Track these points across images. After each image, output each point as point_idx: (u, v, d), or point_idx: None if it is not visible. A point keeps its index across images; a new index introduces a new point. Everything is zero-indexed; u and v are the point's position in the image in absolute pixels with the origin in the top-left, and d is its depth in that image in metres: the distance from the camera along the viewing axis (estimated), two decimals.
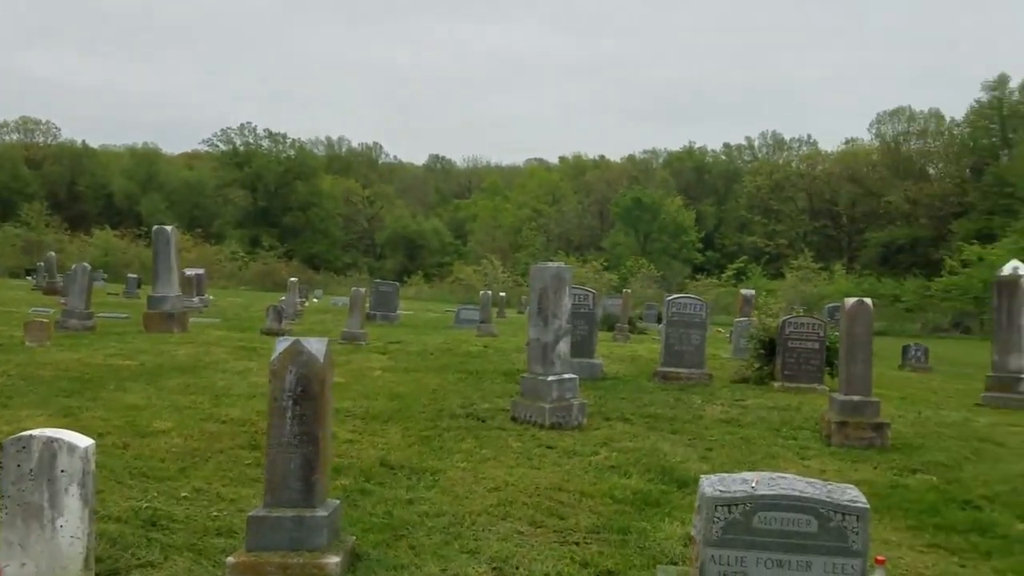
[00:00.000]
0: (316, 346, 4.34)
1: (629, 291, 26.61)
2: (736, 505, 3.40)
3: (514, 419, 8.13)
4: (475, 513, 5.25)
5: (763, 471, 5.87)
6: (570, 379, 8.34)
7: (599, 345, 14.23)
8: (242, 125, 70.31)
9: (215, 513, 5.07)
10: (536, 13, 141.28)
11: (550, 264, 8.41)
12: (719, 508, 3.40)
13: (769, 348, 12.39)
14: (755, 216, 66.48)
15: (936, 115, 66.37)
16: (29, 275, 36.97)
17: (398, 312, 24.08)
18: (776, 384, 11.69)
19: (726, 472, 3.90)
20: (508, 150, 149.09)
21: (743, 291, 23.31)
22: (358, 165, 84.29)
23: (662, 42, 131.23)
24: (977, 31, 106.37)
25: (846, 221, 66.63)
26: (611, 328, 23.16)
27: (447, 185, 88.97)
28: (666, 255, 59.21)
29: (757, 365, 12.63)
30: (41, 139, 74.32)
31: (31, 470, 3.53)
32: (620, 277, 47.86)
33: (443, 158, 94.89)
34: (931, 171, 66.24)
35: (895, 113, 68.15)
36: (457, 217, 76.02)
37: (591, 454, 6.99)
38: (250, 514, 4.25)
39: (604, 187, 70.14)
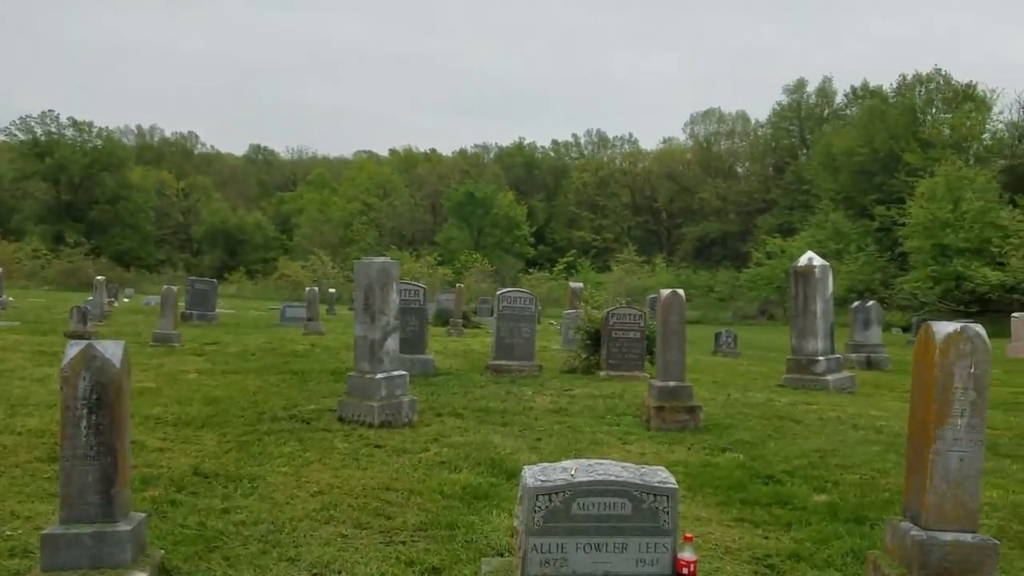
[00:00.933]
0: (112, 350, 4.00)
1: (462, 285, 26.75)
2: (556, 493, 3.45)
3: (341, 419, 7.92)
4: (296, 519, 5.04)
5: (588, 458, 6.03)
6: (400, 376, 8.23)
7: (432, 340, 14.21)
8: (43, 113, 64.30)
9: (8, 533, 4.61)
10: (360, 4, 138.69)
11: (375, 259, 8.24)
12: (540, 497, 3.44)
13: (595, 339, 12.85)
14: (583, 211, 68.87)
15: (743, 116, 71.56)
16: None
17: (217, 311, 22.92)
18: (602, 373, 12.13)
19: (553, 461, 3.95)
20: (335, 142, 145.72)
21: (572, 284, 24.05)
22: (172, 155, 79.57)
23: (489, 39, 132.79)
24: (778, 38, 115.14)
25: (665, 217, 70.41)
26: (445, 323, 23.20)
27: (270, 177, 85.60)
28: (499, 249, 60.11)
29: (584, 355, 13.06)
30: None
31: None
32: (454, 271, 48.09)
33: (265, 149, 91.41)
34: (739, 170, 71.27)
35: (707, 114, 72.83)
36: (282, 211, 73.41)
37: (421, 451, 6.92)
38: (44, 532, 3.89)
39: (436, 181, 70.15)
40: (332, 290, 33.86)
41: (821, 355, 12.26)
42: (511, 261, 58.64)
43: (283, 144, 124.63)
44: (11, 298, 25.38)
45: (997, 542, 3.64)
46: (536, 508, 3.43)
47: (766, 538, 5.05)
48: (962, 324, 3.52)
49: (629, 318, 12.45)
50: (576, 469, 3.56)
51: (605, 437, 7.85)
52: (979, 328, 3.54)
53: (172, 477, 5.84)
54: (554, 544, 3.45)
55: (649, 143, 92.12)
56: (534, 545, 3.43)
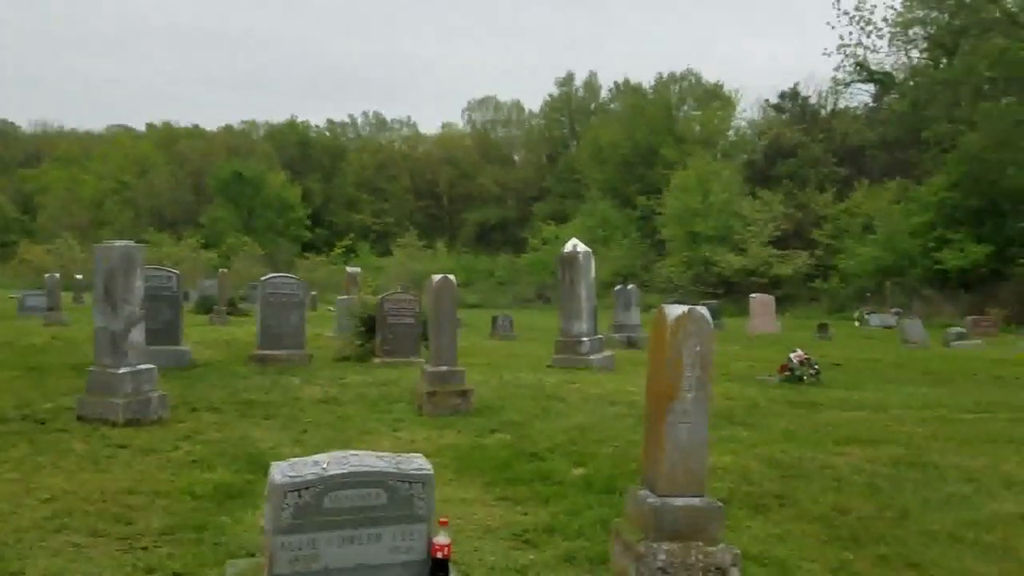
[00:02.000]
0: None
1: (226, 271, 25.35)
2: (307, 488, 3.33)
3: (81, 418, 7.21)
4: (22, 529, 4.51)
5: (356, 448, 5.91)
6: (147, 370, 7.60)
7: (192, 330, 13.37)
8: None
9: None
10: None
11: (116, 243, 7.54)
12: (288, 494, 3.29)
13: (370, 325, 12.68)
14: (362, 194, 67.77)
15: (517, 106, 73.75)
16: None
17: None
18: (377, 360, 12.01)
19: (319, 453, 3.81)
20: (85, 115, 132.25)
21: (349, 269, 23.64)
22: None
23: (257, 8, 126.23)
24: (548, 30, 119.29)
25: (446, 202, 71.03)
26: (209, 311, 21.91)
27: (9, 153, 76.24)
28: (272, 232, 57.63)
29: (359, 342, 12.86)
30: None
31: None
32: (221, 255, 45.53)
33: (3, 121, 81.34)
34: (516, 158, 73.48)
35: (483, 102, 74.28)
36: (23, 190, 65.65)
37: (171, 450, 6.46)
38: None
39: (200, 158, 65.69)
40: (78, 276, 30.81)
41: (586, 336, 12.92)
42: (285, 244, 56.42)
43: (25, 117, 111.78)
44: None
45: (721, 504, 3.99)
46: (284, 505, 3.29)
47: (525, 514, 5.21)
48: (690, 306, 3.81)
49: (404, 303, 12.41)
50: (329, 462, 3.45)
51: (376, 425, 7.76)
52: (704, 310, 3.85)
53: None
54: (304, 540, 3.32)
55: (428, 127, 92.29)
56: (282, 543, 3.29)
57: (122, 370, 7.29)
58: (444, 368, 8.71)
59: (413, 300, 12.63)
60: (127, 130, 77.02)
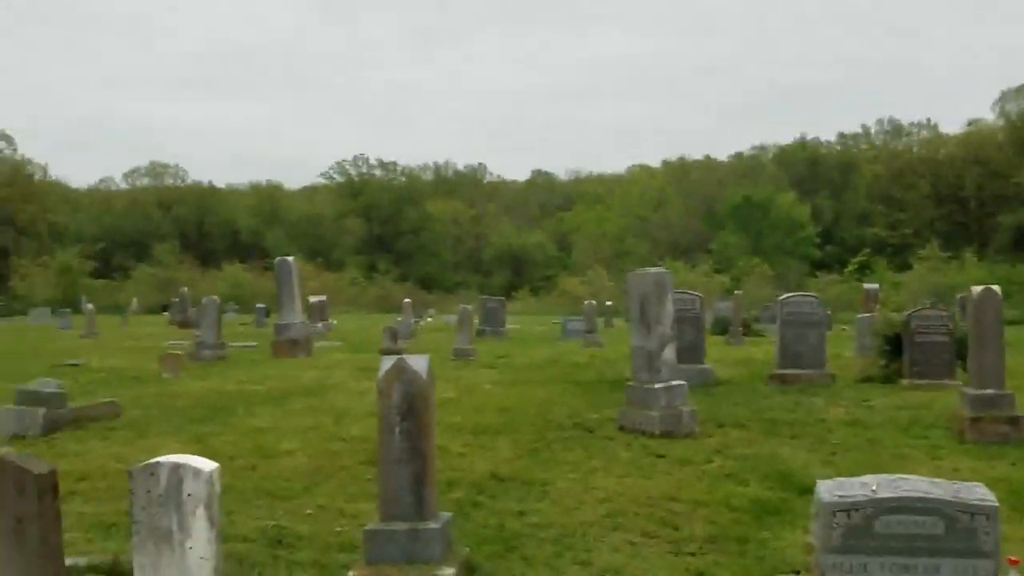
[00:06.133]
0: (419, 364, 4.43)
1: (740, 292, 25.89)
2: (856, 510, 3.26)
3: (622, 428, 8.04)
4: (586, 524, 5.21)
5: (892, 473, 5.56)
6: (678, 386, 8.18)
7: (710, 349, 13.94)
8: (355, 156, 73.93)
9: (337, 529, 5.20)
10: (615, 15, 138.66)
11: (649, 270, 8.30)
12: (838, 514, 3.27)
13: (895, 344, 11.80)
14: (876, 206, 63.44)
15: None
16: (165, 311, 38.65)
17: (506, 327, 24.32)
18: (904, 382, 11.11)
19: (850, 476, 3.74)
20: (609, 158, 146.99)
21: (866, 285, 22.35)
22: (463, 187, 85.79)
23: (757, 39, 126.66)
24: None
25: (974, 206, 62.60)
26: (724, 332, 22.60)
27: (550, 198, 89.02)
28: (781, 253, 57.19)
29: (883, 362, 12.04)
30: (170, 181, 78.18)
31: (159, 496, 3.67)
32: (732, 278, 46.64)
33: (544, 172, 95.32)
34: None
35: (1021, 90, 63.59)
36: (560, 230, 75.98)
37: (704, 462, 6.83)
38: (366, 528, 4.33)
39: (711, 187, 68.48)
40: (608, 303, 34.37)
41: None
42: (794, 264, 55.43)
43: (562, 166, 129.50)
44: (335, 321, 28.87)
45: None
46: (833, 525, 3.27)
47: None
48: None
49: (934, 320, 11.28)
50: (878, 484, 3.33)
51: (910, 451, 7.20)
52: None
53: (473, 480, 6.28)
54: (855, 563, 3.25)
55: (951, 127, 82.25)
56: (832, 563, 3.26)
57: (657, 385, 7.97)
58: (989, 391, 7.73)
59: (945, 316, 11.41)
60: (644, 168, 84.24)
